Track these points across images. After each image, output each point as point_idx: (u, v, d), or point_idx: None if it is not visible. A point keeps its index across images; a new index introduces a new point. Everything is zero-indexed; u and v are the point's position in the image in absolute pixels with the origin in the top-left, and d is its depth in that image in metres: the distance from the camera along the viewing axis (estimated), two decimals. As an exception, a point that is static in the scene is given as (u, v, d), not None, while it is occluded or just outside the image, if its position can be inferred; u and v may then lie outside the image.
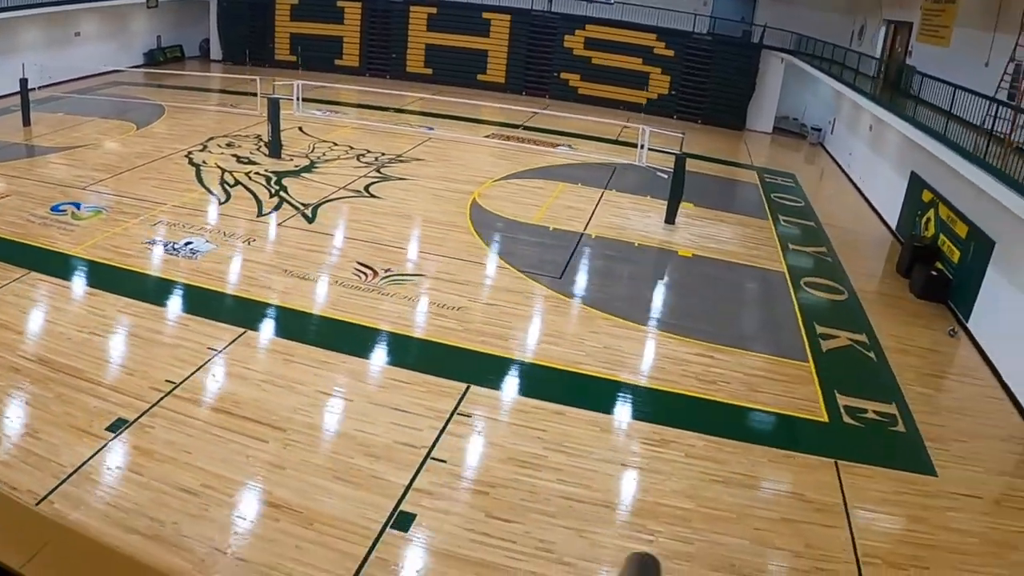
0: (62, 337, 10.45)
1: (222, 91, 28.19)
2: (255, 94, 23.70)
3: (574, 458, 8.41)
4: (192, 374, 9.74)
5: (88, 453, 8.18)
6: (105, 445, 8.32)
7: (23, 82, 19.97)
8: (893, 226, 18.04)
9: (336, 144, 20.71)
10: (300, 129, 22.07)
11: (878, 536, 7.77)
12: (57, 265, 12.64)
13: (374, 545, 6.98)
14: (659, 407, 9.67)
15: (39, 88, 23.48)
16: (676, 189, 16.05)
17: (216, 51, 32.59)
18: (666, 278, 13.65)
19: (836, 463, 8.91)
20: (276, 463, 8.14)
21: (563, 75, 28.97)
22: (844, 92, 20.78)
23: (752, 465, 8.70)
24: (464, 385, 9.67)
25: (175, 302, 11.72)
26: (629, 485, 8.16)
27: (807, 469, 8.78)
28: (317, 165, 18.83)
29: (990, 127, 11.81)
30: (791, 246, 16.31)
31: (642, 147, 19.84)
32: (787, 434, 9.46)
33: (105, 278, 12.30)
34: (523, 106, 26.74)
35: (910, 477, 8.79)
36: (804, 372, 11.02)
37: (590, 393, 9.78)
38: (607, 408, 9.50)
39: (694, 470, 8.47)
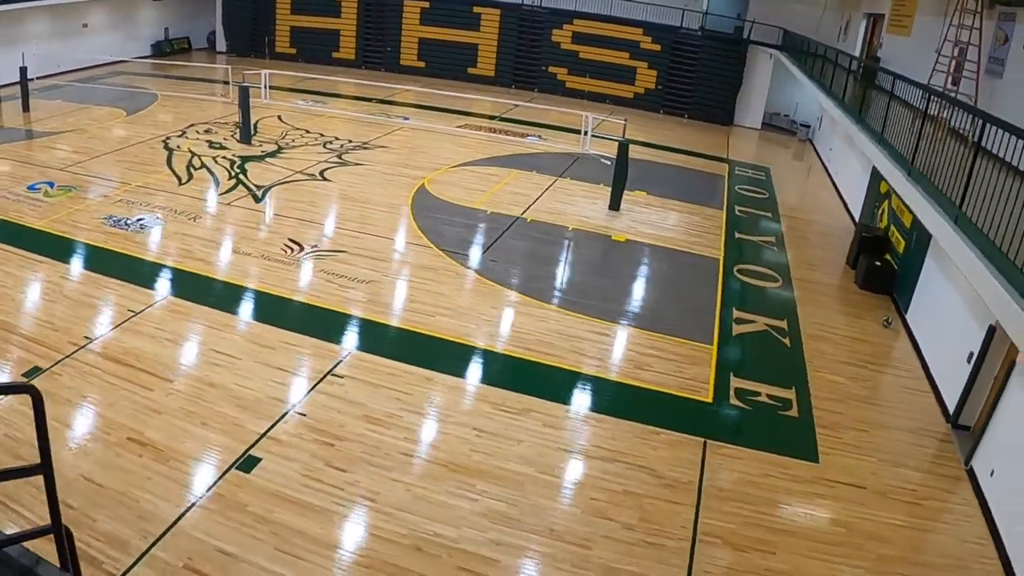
0: (3, 296, 11.69)
1: (215, 81, 29.55)
2: (267, 85, 24.92)
3: (428, 421, 9.20)
4: (108, 332, 10.89)
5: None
6: (21, 381, 9.48)
7: (23, 70, 21.53)
8: (857, 219, 18.34)
9: (308, 132, 21.85)
10: (279, 118, 23.26)
11: (726, 516, 7.76)
12: (17, 236, 13.94)
13: (216, 482, 7.99)
14: (532, 379, 10.26)
15: (43, 77, 25.10)
16: (620, 175, 16.77)
17: (221, 43, 34.05)
18: (573, 254, 14.26)
19: (705, 442, 8.99)
20: (155, 408, 9.20)
21: (551, 69, 29.75)
22: (812, 88, 21.18)
23: (611, 438, 8.96)
24: (346, 350, 10.63)
25: (112, 270, 12.89)
26: (473, 448, 8.67)
27: (670, 446, 8.86)
28: (283, 151, 19.97)
29: (928, 112, 10.71)
30: (737, 235, 16.88)
31: (586, 134, 20.60)
32: (661, 412, 9.62)
33: (56, 248, 13.53)
34: (509, 99, 27.61)
35: (785, 461, 8.76)
36: (703, 354, 11.41)
37: (465, 362, 10.58)
38: (478, 377, 10.24)
39: (546, 439, 8.89)
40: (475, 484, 8.01)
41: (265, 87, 24.25)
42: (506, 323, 11.73)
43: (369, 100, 26.58)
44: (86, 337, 10.74)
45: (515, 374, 10.41)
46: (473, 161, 19.80)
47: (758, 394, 10.36)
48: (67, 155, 18.84)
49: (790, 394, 10.45)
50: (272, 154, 19.67)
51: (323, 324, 11.41)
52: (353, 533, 7.34)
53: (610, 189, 17.04)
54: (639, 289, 13.69)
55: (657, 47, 28.27)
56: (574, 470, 8.44)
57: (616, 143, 16.93)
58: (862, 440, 9.45)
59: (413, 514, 7.56)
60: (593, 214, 16.52)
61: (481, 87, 29.56)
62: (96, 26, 29.17)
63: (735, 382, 10.60)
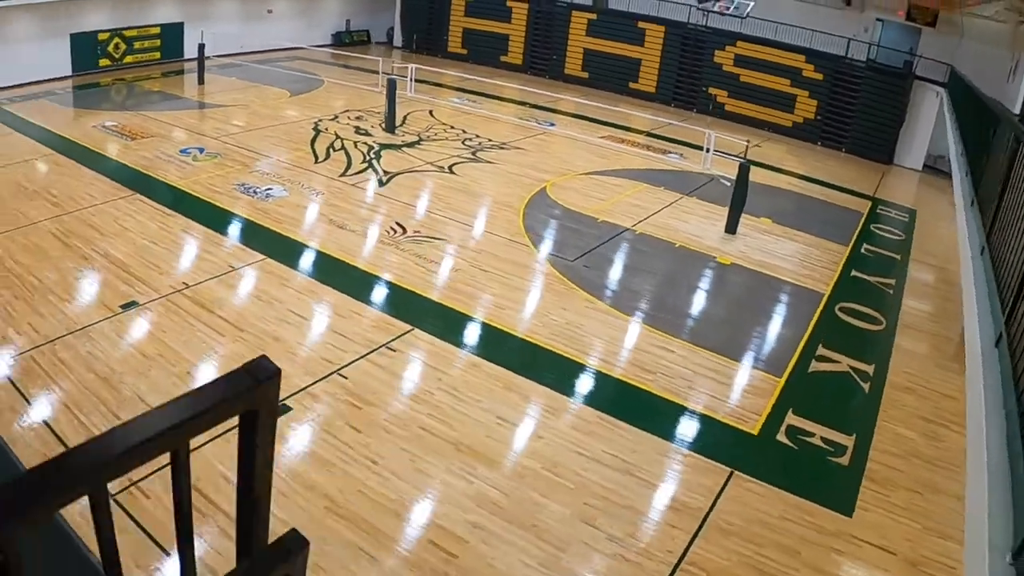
0: (128, 240, 13.46)
1: (383, 73, 31.79)
2: (413, 79, 26.75)
3: (458, 402, 9.52)
4: (205, 280, 12.25)
5: (98, 318, 10.88)
6: (112, 315, 10.98)
7: (200, 47, 24.48)
8: (1001, 278, 16.89)
9: (452, 128, 23.04)
10: (430, 112, 24.70)
11: (721, 551, 7.35)
12: (155, 190, 15.94)
13: (248, 419, 8.85)
14: (577, 381, 10.29)
15: (224, 55, 28.29)
16: (738, 198, 16.40)
17: (398, 38, 36.66)
18: (668, 269, 14.18)
19: (732, 473, 8.59)
20: (218, 351, 10.27)
21: (711, 90, 29.38)
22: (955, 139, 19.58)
23: (633, 451, 8.76)
24: (409, 327, 11.27)
25: (228, 229, 14.42)
26: (489, 434, 8.86)
27: (693, 470, 8.55)
28: (422, 143, 21.22)
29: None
30: (853, 272, 16.03)
31: (708, 151, 20.24)
32: (697, 435, 9.40)
33: (185, 205, 15.32)
34: (665, 116, 27.63)
35: (812, 508, 8.19)
36: (767, 385, 11.04)
37: (514, 354, 10.88)
38: (525, 372, 10.40)
39: (566, 439, 8.87)
40: (476, 468, 8.25)
41: (411, 81, 25.85)
42: (569, 323, 11.85)
43: (522, 103, 27.57)
44: (183, 283, 12.13)
45: (556, 371, 10.44)
46: (604, 171, 20.03)
47: (811, 435, 9.72)
48: (224, 126, 21.14)
49: (848, 440, 9.72)
50: (411, 144, 20.96)
51: (397, 301, 12.11)
52: (343, 486, 7.81)
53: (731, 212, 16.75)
54: (721, 311, 13.34)
55: (819, 76, 27.16)
56: (581, 473, 8.27)
57: (741, 166, 16.56)
58: (911, 502, 8.61)
59: (406, 482, 7.91)
60: (706, 234, 16.24)
61: (640, 102, 29.70)
62: (280, 13, 32.39)
63: (791, 419, 10.07)
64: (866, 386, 11.55)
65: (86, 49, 25.94)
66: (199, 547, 6.77)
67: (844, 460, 9.35)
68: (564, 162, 20.39)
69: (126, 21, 26.89)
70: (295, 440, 8.50)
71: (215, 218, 14.90)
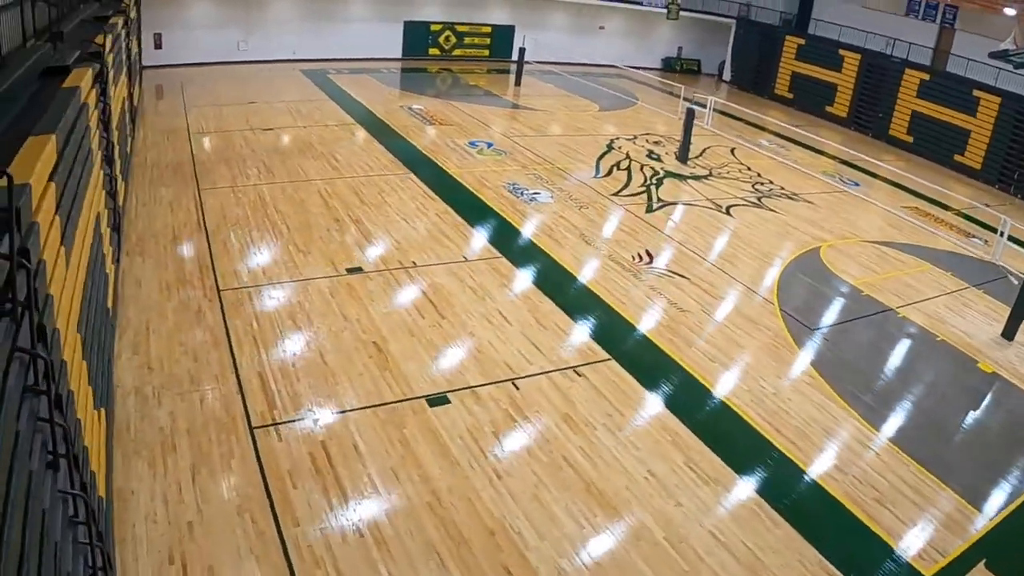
0: (383, 212, 14.68)
1: (683, 100, 31.33)
2: (711, 111, 26.16)
3: (616, 444, 8.72)
4: (432, 264, 12.93)
5: (321, 275, 11.98)
6: (335, 276, 12.03)
7: (521, 51, 26.11)
8: None
9: (749, 169, 21.98)
10: (732, 151, 23.85)
11: None
12: (430, 174, 17.22)
13: (404, 401, 9.11)
14: (752, 459, 8.98)
15: (546, 62, 29.95)
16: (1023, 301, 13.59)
17: (728, 73, 36.09)
18: (916, 363, 11.99)
19: None
20: (412, 330, 10.72)
21: (1031, 172, 24.90)
22: None
23: (774, 551, 7.50)
24: (607, 356, 10.82)
25: (479, 222, 15.08)
26: (630, 485, 8.17)
27: None
28: (710, 178, 20.50)
29: None
30: None
31: (1001, 234, 16.93)
32: (855, 556, 7.82)
33: (451, 192, 16.35)
34: (986, 196, 23.92)
35: None
36: (968, 525, 8.56)
37: (701, 414, 9.83)
38: (701, 433, 9.22)
39: (706, 515, 7.88)
40: (596, 515, 7.62)
41: (709, 113, 25.14)
42: (777, 393, 10.50)
43: (831, 157, 25.57)
44: (412, 261, 12.88)
45: (736, 441, 9.26)
46: (891, 243, 17.70)
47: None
48: (521, 127, 22.25)
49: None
50: (698, 178, 20.36)
51: (608, 327, 11.71)
52: (455, 487, 7.69)
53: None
54: (953, 420, 10.90)
55: None
56: (702, 556, 7.32)
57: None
58: None
59: (518, 505, 7.55)
60: (977, 334, 13.52)
61: (961, 177, 26.23)
62: (612, 30, 33.49)
63: (979, 571, 7.94)
64: None
65: (418, 37, 29.02)
66: None
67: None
68: (851, 225, 18.42)
69: (459, 17, 29.62)
70: (436, 431, 8.55)
71: (472, 209, 15.66)
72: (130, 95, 16.22)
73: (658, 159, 21.54)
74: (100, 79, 9.67)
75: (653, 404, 9.80)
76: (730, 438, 9.39)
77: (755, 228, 17.09)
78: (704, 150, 22.97)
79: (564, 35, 31.99)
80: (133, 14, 19.31)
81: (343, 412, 8.75)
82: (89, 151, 8.40)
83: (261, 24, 27.67)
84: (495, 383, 9.72)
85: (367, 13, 28.62)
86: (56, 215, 6.05)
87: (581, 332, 11.42)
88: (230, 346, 9.84)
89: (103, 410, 7.46)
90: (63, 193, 6.45)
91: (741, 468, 8.76)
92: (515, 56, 28.59)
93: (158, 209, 13.89)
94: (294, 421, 8.51)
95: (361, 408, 8.89)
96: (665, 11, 33.07)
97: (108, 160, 10.41)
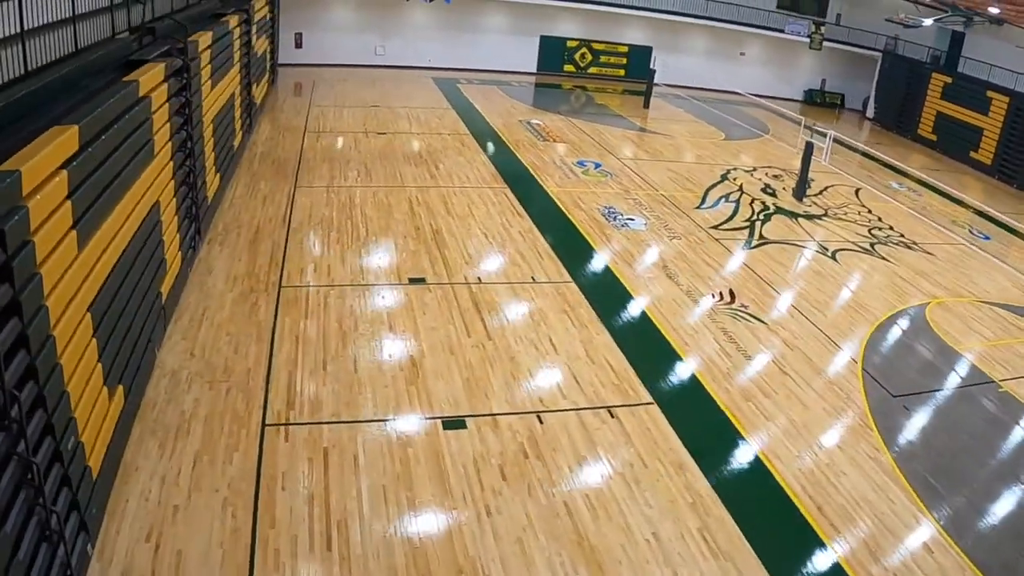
0: (465, 225, 14.81)
1: (802, 133, 29.73)
2: (829, 149, 24.73)
3: (628, 496, 8.07)
4: (497, 283, 12.91)
5: (384, 281, 12.20)
6: (396, 284, 12.21)
7: (651, 73, 25.71)
8: None
9: (869, 212, 20.62)
10: (856, 192, 22.46)
11: None
12: (525, 191, 17.27)
13: (419, 419, 9.10)
14: (778, 539, 8.23)
15: (677, 86, 29.35)
16: None
17: (871, 110, 34.10)
18: (1006, 445, 10.57)
19: None
20: (452, 348, 10.71)
21: None
22: None
23: None
24: (650, 401, 10.35)
25: (562, 243, 14.88)
26: (625, 544, 7.65)
27: None
28: (825, 219, 19.38)
29: None
30: None
31: None
32: None
33: (541, 211, 16.34)
34: None
35: None
36: None
37: (735, 480, 9.13)
38: (728, 500, 8.50)
39: None
40: (578, 571, 7.16)
41: (827, 150, 23.77)
42: (831, 464, 9.50)
43: (965, 206, 23.58)
44: (478, 278, 12.92)
45: (763, 509, 8.57)
46: (1011, 306, 15.95)
47: None
48: (635, 150, 21.88)
49: None
50: (811, 217, 19.31)
51: (661, 369, 11.19)
52: (436, 521, 7.55)
53: None
54: None
55: None
56: None
57: None
58: None
59: (498, 547, 7.27)
60: None
61: None
62: (752, 57, 32.37)
63: None
64: None
65: (554, 52, 29.12)
66: None
67: None
68: (970, 282, 16.81)
69: (597, 35, 29.49)
70: (440, 455, 8.48)
71: (557, 230, 15.52)
72: (247, 91, 17.10)
73: (772, 194, 20.59)
74: (180, 74, 10.19)
75: (682, 458, 9.24)
76: (759, 508, 8.67)
77: (858, 277, 15.99)
78: (825, 188, 21.78)
79: (702, 59, 31.26)
80: (265, 13, 20.38)
81: (355, 422, 8.84)
82: (148, 142, 8.86)
83: (398, 30, 28.61)
84: (519, 413, 9.53)
85: (504, 25, 29.04)
86: (67, 200, 6.41)
87: (629, 370, 11.00)
88: (272, 342, 10.15)
89: (120, 387, 7.86)
90: (84, 181, 6.82)
91: (762, 546, 8.01)
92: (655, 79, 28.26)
93: (251, 202, 14.58)
94: (305, 424, 8.67)
95: (374, 420, 8.95)
96: (808, 40, 31.64)
97: (187, 152, 10.97)
